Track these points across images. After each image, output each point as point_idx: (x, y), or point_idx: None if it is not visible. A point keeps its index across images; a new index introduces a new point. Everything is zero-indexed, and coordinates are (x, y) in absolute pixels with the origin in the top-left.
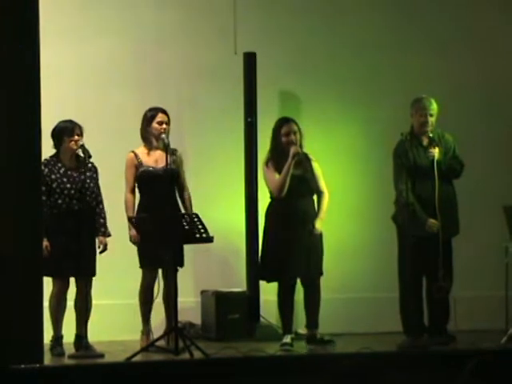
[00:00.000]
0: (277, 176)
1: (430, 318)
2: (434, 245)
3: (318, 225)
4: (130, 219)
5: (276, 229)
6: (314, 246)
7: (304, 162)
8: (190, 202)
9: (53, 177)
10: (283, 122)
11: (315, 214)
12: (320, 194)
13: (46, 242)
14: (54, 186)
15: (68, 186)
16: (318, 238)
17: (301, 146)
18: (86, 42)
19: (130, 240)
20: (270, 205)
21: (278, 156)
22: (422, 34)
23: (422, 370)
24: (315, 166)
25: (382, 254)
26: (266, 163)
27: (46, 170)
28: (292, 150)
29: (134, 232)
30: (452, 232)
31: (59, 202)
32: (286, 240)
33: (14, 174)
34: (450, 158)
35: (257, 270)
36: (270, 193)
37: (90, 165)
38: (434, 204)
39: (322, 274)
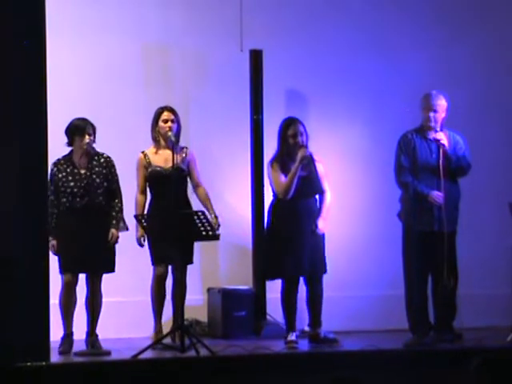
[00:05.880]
0: (282, 177)
1: (436, 316)
2: (438, 241)
3: (321, 224)
4: (135, 217)
5: (279, 227)
6: (316, 245)
7: (309, 163)
8: (207, 197)
9: (59, 176)
10: (290, 123)
11: (318, 214)
12: (322, 193)
13: (53, 241)
14: (60, 184)
15: (71, 184)
16: (320, 237)
17: (306, 147)
18: (93, 41)
19: (137, 243)
20: (273, 203)
21: (283, 157)
22: (429, 32)
23: (428, 367)
24: (319, 166)
25: (388, 252)
26: (271, 163)
27: (55, 169)
28: (300, 153)
29: (138, 234)
30: (454, 226)
31: (63, 200)
32: (289, 239)
33: (20, 173)
34: (459, 157)
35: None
36: (274, 192)
37: (102, 160)
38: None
39: (325, 272)
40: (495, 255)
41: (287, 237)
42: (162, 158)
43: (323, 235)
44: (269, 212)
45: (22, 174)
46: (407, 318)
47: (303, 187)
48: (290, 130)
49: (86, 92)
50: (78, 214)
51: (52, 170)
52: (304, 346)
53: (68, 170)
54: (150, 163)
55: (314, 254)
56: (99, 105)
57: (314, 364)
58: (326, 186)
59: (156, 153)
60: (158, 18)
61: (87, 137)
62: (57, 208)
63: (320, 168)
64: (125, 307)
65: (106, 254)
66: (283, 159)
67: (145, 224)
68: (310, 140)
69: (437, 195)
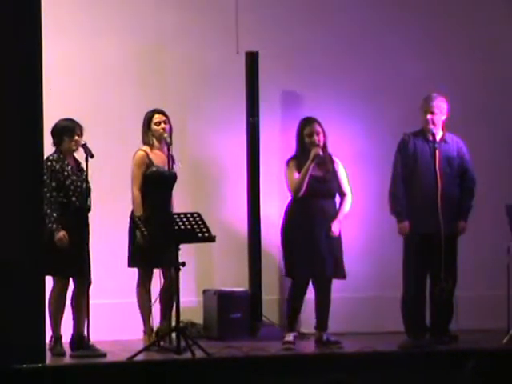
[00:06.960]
0: (295, 174)
1: (432, 318)
2: (438, 243)
3: (335, 227)
4: (137, 219)
5: (294, 227)
6: (330, 247)
7: (326, 163)
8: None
9: (65, 173)
10: (307, 122)
11: (335, 216)
12: (343, 195)
13: (63, 232)
14: (68, 183)
15: (79, 183)
16: (335, 239)
17: (325, 147)
18: (88, 42)
19: (139, 241)
20: (290, 203)
21: (300, 156)
22: (424, 33)
23: (424, 369)
24: (339, 167)
25: (385, 254)
26: (288, 162)
27: (58, 166)
28: (313, 151)
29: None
30: (454, 228)
31: (73, 199)
32: (303, 239)
33: (15, 172)
34: (466, 178)
35: (260, 269)
36: (289, 191)
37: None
38: (435, 195)
39: (339, 276)
40: (491, 257)
41: (298, 237)
42: (160, 159)
43: (340, 238)
44: (285, 211)
45: (21, 175)
46: (403, 319)
47: (318, 187)
48: (307, 129)
49: (81, 94)
50: (83, 215)
51: (50, 165)
52: (301, 346)
53: (68, 168)
54: (152, 163)
55: (326, 257)
56: (94, 107)
57: (309, 366)
58: (348, 188)
59: (152, 153)
60: (152, 19)
61: (76, 138)
62: (59, 204)
63: (341, 170)
64: (120, 309)
65: (89, 258)
66: (299, 158)
67: (143, 229)
68: (328, 142)
69: (403, 228)
